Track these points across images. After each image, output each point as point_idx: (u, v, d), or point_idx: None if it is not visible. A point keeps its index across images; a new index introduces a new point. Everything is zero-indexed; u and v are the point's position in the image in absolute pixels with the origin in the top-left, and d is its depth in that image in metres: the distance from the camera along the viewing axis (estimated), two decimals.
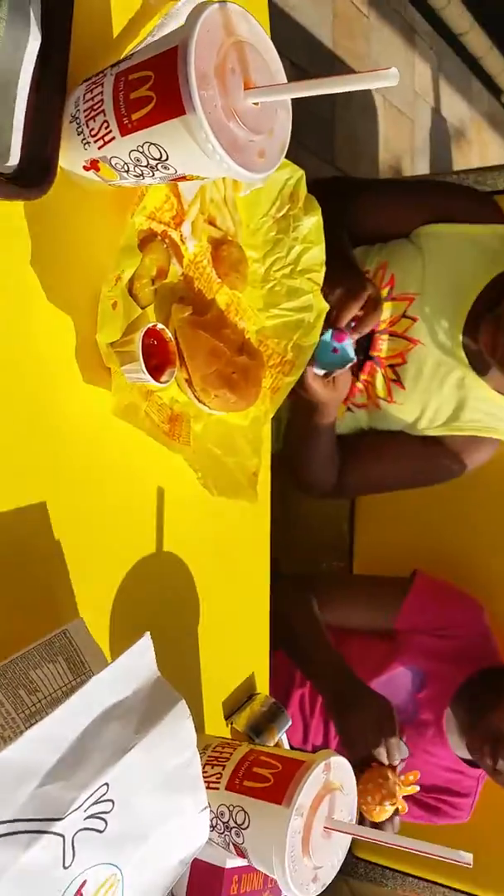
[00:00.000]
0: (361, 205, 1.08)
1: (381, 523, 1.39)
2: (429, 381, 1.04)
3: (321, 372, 0.88)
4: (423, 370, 1.04)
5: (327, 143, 2.11)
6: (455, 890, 1.30)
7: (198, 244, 0.65)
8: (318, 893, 0.61)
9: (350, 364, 0.88)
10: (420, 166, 2.56)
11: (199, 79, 0.47)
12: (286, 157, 0.61)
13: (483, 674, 1.12)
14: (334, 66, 2.12)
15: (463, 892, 1.29)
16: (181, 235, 0.64)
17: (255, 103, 0.52)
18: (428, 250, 1.03)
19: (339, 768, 0.61)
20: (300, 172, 0.74)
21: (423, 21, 2.55)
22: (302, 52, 1.98)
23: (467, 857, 0.57)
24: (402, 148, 2.47)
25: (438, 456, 1.08)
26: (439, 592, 1.17)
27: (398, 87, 2.46)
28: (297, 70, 1.93)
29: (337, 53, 2.12)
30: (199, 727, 0.66)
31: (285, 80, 0.56)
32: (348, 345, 0.87)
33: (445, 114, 2.74)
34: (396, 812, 0.89)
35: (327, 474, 1.10)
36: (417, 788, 0.91)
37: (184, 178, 0.53)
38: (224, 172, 0.52)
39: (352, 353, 0.88)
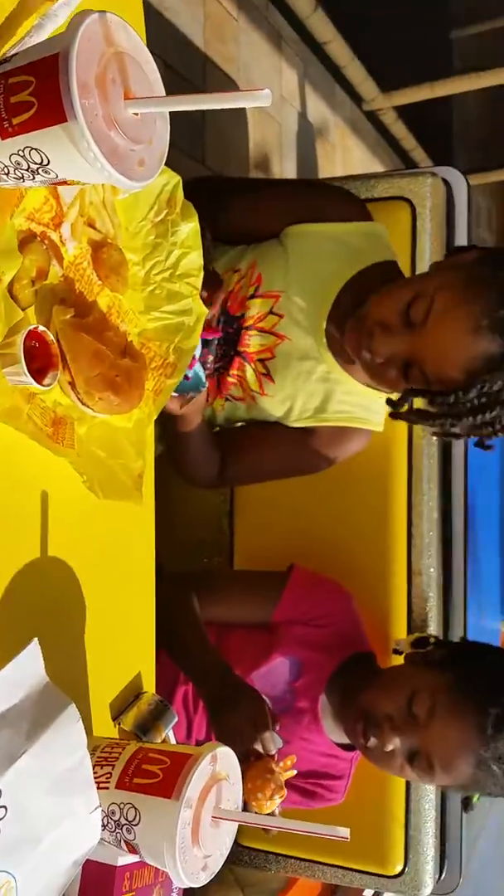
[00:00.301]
0: (235, 206, 1.11)
1: (260, 519, 1.43)
2: (296, 374, 1.09)
3: (175, 395, 0.90)
4: (290, 364, 1.08)
5: (198, 144, 2.13)
6: (332, 865, 1.36)
7: (77, 246, 0.65)
8: (207, 881, 0.63)
9: (203, 389, 0.92)
10: (287, 168, 2.63)
11: (80, 87, 0.48)
12: None
13: (353, 659, 1.18)
14: (205, 67, 2.14)
15: (338, 866, 1.36)
16: (61, 237, 0.63)
17: (135, 114, 0.53)
18: (292, 249, 1.08)
19: (224, 759, 0.63)
20: (177, 178, 0.75)
21: (290, 28, 2.62)
22: (174, 52, 1.99)
23: (344, 832, 0.61)
24: (270, 150, 2.53)
25: (312, 445, 1.12)
26: (313, 584, 1.22)
27: (267, 90, 2.51)
28: (169, 70, 1.93)
29: (208, 55, 2.14)
30: (88, 729, 0.66)
31: (163, 91, 0.57)
32: (199, 370, 0.90)
33: (311, 118, 2.83)
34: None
35: (207, 468, 1.13)
36: (295, 772, 0.95)
37: (64, 182, 0.53)
38: (105, 179, 0.53)
39: (203, 379, 0.91)
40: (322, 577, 1.23)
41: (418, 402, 1.01)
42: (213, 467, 1.14)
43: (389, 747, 1.03)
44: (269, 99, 0.50)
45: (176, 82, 1.97)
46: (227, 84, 2.24)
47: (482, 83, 3.01)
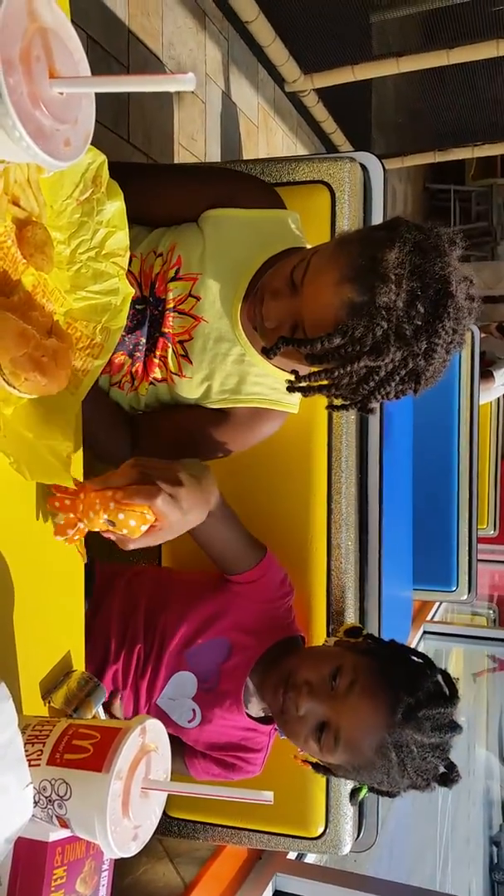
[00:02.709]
0: (151, 190, 1.11)
1: None
2: (212, 356, 1.10)
3: None
4: (207, 346, 1.10)
5: (122, 120, 2.09)
6: (257, 831, 1.41)
7: (2, 224, 0.64)
8: (138, 850, 0.64)
9: None
10: (211, 147, 2.62)
11: (4, 64, 0.47)
12: None
13: (282, 642, 1.20)
14: (129, 41, 2.10)
15: (263, 831, 1.41)
16: None
17: (60, 93, 0.53)
18: (208, 233, 1.09)
19: (153, 731, 0.65)
20: (102, 157, 0.75)
21: (214, 5, 2.60)
22: (98, 26, 1.94)
23: (268, 796, 0.64)
24: (194, 128, 2.51)
25: (227, 426, 1.13)
26: (278, 568, 1.23)
27: (191, 69, 2.48)
28: (93, 44, 1.89)
29: (132, 29, 2.10)
30: (18, 709, 0.66)
31: (88, 70, 0.57)
32: None
33: (234, 98, 2.82)
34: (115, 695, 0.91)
35: (116, 451, 1.12)
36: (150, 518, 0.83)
37: None
38: (30, 159, 0.53)
39: None
40: (280, 565, 1.24)
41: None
42: (123, 449, 1.13)
43: (302, 711, 1.06)
44: (194, 83, 0.51)
45: (100, 57, 1.93)
46: (151, 60, 2.21)
47: (403, 67, 3.06)
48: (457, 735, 1.05)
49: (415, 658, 1.13)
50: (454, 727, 1.05)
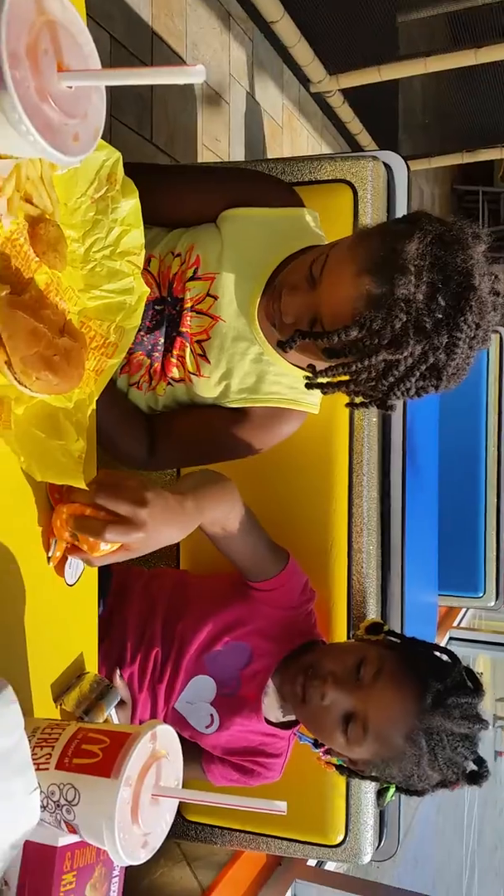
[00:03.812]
0: (168, 192, 1.10)
1: None
2: (230, 356, 1.09)
3: None
4: (225, 345, 1.09)
5: (146, 120, 2.09)
6: (275, 837, 1.39)
7: (14, 221, 0.64)
8: (148, 858, 0.63)
9: None
10: (235, 148, 2.61)
11: (10, 57, 0.47)
12: (106, 136, 0.61)
13: (302, 646, 1.18)
14: (153, 42, 2.10)
15: (282, 837, 1.39)
16: None
17: (69, 87, 0.52)
18: (225, 233, 1.09)
19: (164, 736, 0.63)
20: (117, 154, 0.74)
21: (238, 5, 2.59)
22: (121, 27, 1.94)
23: (282, 806, 0.63)
24: (217, 128, 2.50)
25: (246, 426, 1.12)
26: (301, 575, 1.22)
27: (215, 70, 2.48)
28: (115, 44, 1.89)
29: (155, 30, 2.10)
30: (28, 711, 0.66)
31: (98, 64, 0.56)
32: None
33: (259, 99, 2.81)
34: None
35: (132, 450, 1.12)
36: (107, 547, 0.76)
37: None
38: (38, 154, 0.52)
39: None
40: (302, 571, 1.23)
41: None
42: (139, 449, 1.12)
43: (327, 700, 1.04)
44: (204, 75, 0.50)
45: (123, 57, 1.93)
46: (174, 61, 2.21)
47: (431, 67, 3.03)
48: (484, 729, 1.03)
49: (437, 652, 1.12)
50: (481, 720, 1.03)
